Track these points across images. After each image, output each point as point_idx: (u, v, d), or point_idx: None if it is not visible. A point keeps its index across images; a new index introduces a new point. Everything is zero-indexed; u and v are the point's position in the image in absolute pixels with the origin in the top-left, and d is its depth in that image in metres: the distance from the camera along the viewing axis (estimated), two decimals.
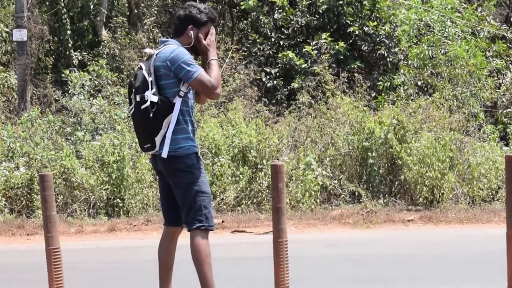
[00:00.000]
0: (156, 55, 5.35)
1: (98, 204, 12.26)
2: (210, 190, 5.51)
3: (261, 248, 8.68)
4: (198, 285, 5.38)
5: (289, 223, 10.62)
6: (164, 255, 5.49)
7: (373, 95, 16.92)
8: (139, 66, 5.43)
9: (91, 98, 14.57)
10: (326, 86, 15.00)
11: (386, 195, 12.95)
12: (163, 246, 5.51)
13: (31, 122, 13.74)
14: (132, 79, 5.42)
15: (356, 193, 12.92)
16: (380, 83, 17.16)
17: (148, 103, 5.20)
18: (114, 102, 14.48)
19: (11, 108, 16.73)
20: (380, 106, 15.34)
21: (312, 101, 15.11)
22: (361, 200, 12.63)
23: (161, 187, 5.62)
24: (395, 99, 15.36)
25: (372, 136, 13.21)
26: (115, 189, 12.30)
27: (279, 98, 17.73)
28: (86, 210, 12.24)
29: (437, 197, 12.54)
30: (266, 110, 15.71)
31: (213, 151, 12.74)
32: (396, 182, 13.22)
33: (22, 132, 13.36)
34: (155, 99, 5.21)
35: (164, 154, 5.26)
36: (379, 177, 13.19)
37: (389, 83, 16.96)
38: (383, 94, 16.66)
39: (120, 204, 12.23)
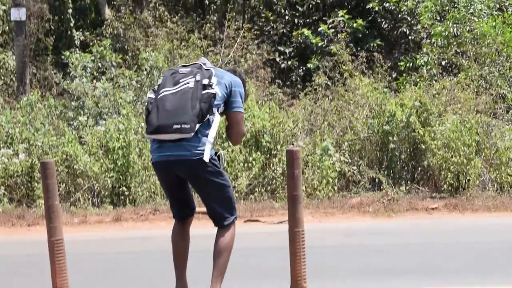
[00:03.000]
0: (214, 68, 5.59)
1: (103, 192, 12.29)
2: None
3: (276, 239, 8.67)
4: (207, 273, 5.39)
5: (305, 212, 10.61)
6: (181, 242, 5.61)
7: (394, 75, 16.89)
8: (193, 63, 5.64)
9: (94, 81, 14.58)
10: (344, 67, 14.98)
11: (409, 182, 12.94)
12: (179, 234, 5.62)
13: (31, 106, 13.75)
14: (183, 68, 5.53)
15: (377, 180, 12.91)
16: (401, 63, 17.10)
17: (213, 91, 5.37)
18: (119, 85, 14.48)
19: (10, 92, 16.77)
20: (402, 87, 15.31)
21: (329, 83, 15.08)
22: (381, 187, 12.62)
23: (172, 191, 5.67)
24: (417, 80, 15.32)
25: (393, 120, 13.18)
26: (120, 176, 12.32)
27: (294, 79, 17.73)
28: (90, 199, 12.27)
29: (463, 183, 12.52)
30: (280, 92, 15.72)
31: (224, 136, 12.72)
32: (419, 168, 13.20)
33: (22, 117, 13.37)
34: (219, 93, 5.44)
35: (207, 158, 5.36)
36: (400, 162, 13.18)
37: (411, 63, 16.90)
38: (404, 74, 16.61)
39: (126, 193, 12.26)
